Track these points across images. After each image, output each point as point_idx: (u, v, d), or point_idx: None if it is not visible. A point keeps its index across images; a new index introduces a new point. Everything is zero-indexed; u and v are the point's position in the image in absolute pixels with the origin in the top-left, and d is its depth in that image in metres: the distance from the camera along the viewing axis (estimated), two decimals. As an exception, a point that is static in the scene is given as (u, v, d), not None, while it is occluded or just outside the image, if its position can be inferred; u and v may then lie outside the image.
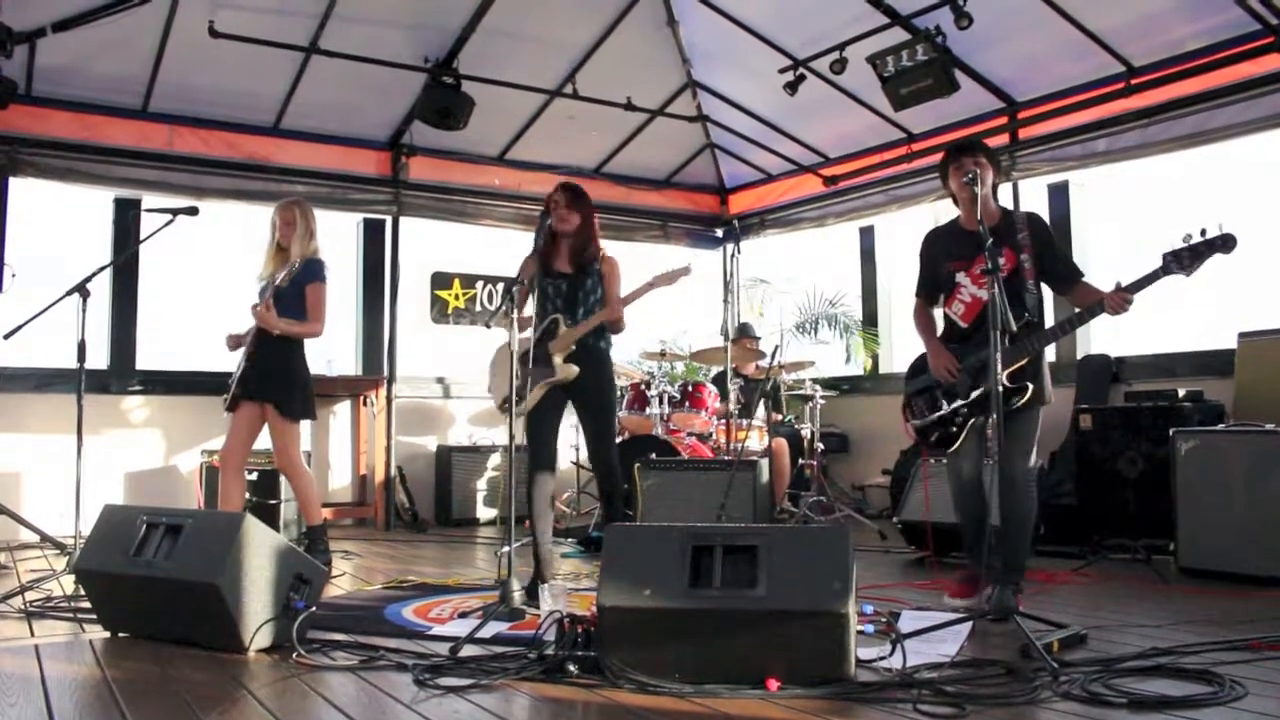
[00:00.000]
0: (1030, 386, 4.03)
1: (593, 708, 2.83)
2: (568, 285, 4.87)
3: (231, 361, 5.58)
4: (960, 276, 4.27)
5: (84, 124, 7.06)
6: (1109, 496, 5.76)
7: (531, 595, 4.29)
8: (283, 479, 6.53)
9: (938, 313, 4.47)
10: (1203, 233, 3.78)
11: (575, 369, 4.76)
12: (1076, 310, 4.13)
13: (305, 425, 7.76)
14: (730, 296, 7.86)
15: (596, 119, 8.07)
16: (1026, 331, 4.03)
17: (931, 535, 5.68)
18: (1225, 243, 3.75)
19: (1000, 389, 3.71)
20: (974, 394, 4.17)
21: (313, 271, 5.36)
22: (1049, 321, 4.30)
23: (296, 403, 5.41)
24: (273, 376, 5.33)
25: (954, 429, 4.29)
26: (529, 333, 4.80)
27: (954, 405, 4.27)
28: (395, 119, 8.02)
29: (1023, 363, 4.06)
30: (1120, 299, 3.91)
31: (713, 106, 8.43)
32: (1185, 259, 3.78)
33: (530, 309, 5.02)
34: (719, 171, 9.57)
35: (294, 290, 5.31)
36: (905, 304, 4.60)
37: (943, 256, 4.36)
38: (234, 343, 5.50)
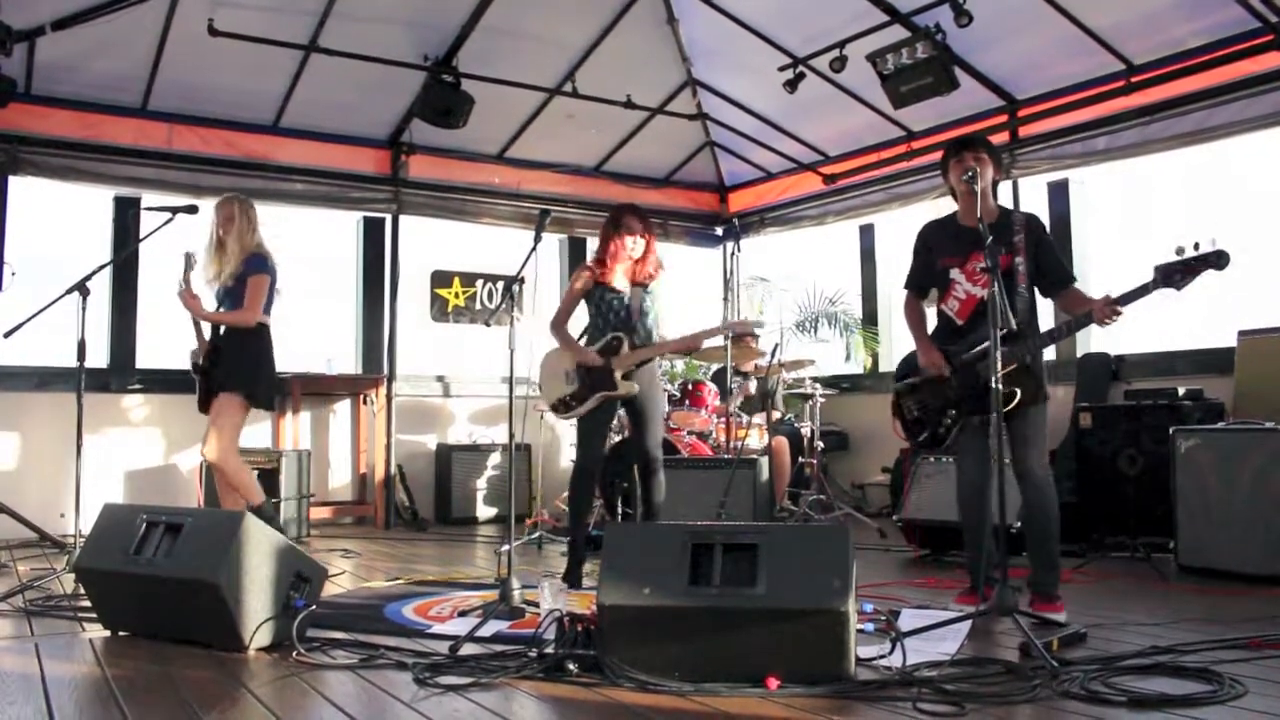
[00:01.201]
0: (1018, 392, 3.97)
1: (592, 706, 2.83)
2: (629, 301, 5.05)
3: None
4: (955, 273, 4.22)
5: (83, 122, 7.06)
6: (1109, 495, 5.76)
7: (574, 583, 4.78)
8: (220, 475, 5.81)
9: (932, 309, 4.44)
10: (1195, 247, 3.67)
11: (636, 387, 4.98)
12: (1065, 320, 4.11)
13: (305, 422, 7.85)
14: (730, 295, 7.85)
15: (596, 117, 8.07)
16: (1016, 336, 3.96)
17: (925, 535, 5.70)
18: (1219, 259, 3.66)
19: (991, 390, 3.69)
20: (959, 394, 4.16)
21: (254, 264, 5.37)
22: (1042, 322, 4.26)
23: (261, 391, 5.43)
24: (234, 366, 5.33)
25: (941, 429, 4.28)
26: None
27: (941, 405, 4.26)
28: (395, 117, 8.01)
29: (1011, 367, 3.99)
30: (1109, 310, 3.83)
31: (712, 104, 8.43)
32: (1176, 274, 3.69)
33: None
34: (719, 169, 9.57)
35: (239, 287, 5.35)
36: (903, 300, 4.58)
37: (938, 252, 4.32)
38: (195, 356, 5.49)
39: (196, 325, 5.44)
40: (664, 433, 7.10)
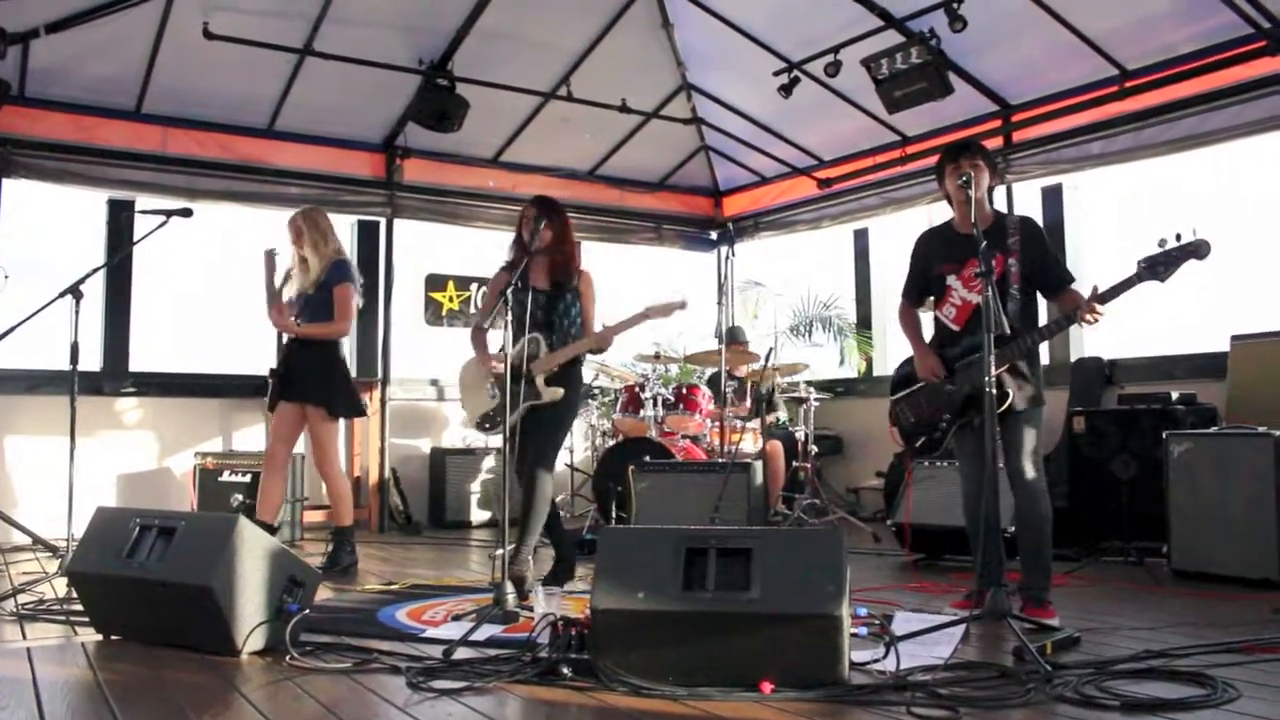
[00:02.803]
0: (1010, 394, 3.98)
1: (586, 710, 2.82)
2: (546, 301, 4.83)
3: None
4: (951, 280, 4.23)
5: (77, 125, 7.03)
6: (1102, 499, 5.76)
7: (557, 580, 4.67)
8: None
9: (928, 316, 4.44)
10: (1177, 238, 3.71)
11: (560, 391, 4.74)
12: (1053, 320, 4.11)
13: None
14: (724, 299, 7.86)
15: (591, 121, 8.07)
16: (1009, 339, 3.97)
17: (918, 538, 5.70)
18: (1199, 249, 3.69)
19: (984, 393, 3.71)
20: (955, 398, 4.16)
21: (338, 273, 5.51)
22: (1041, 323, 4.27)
23: (339, 402, 5.56)
24: (311, 378, 5.47)
25: (938, 435, 4.29)
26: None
27: (936, 411, 4.26)
28: (390, 121, 8.00)
29: (1002, 370, 3.99)
30: (1089, 308, 3.84)
31: (707, 109, 8.44)
32: (1160, 265, 3.72)
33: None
34: (713, 174, 9.57)
35: (323, 295, 5.48)
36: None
37: (934, 259, 4.33)
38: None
39: (287, 337, 5.59)
40: (660, 436, 7.13)
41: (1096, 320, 3.87)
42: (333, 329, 5.48)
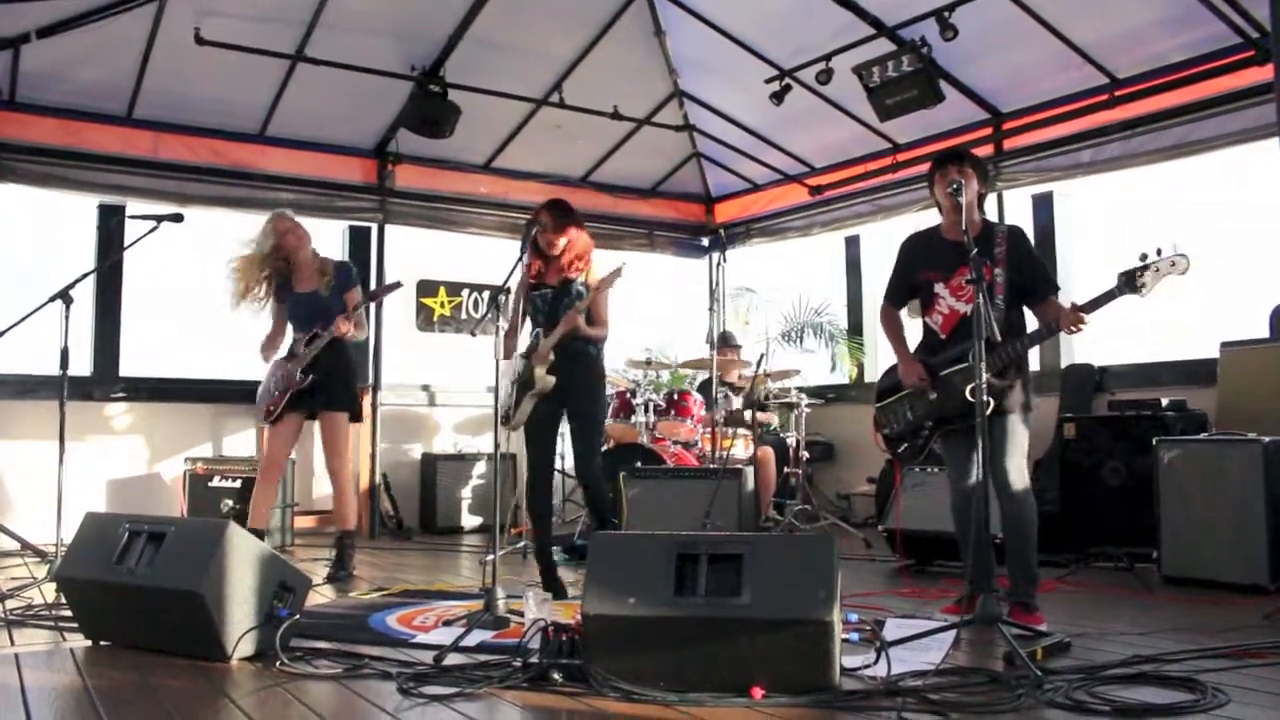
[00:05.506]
0: (991, 402, 3.98)
1: (577, 716, 2.82)
2: (552, 296, 4.94)
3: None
4: (939, 287, 4.24)
5: (68, 130, 7.01)
6: (1093, 505, 5.78)
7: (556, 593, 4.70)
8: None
9: (916, 321, 4.45)
10: (1158, 252, 3.75)
11: (552, 379, 4.84)
12: (1036, 329, 4.13)
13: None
14: (716, 305, 7.86)
15: (583, 128, 8.08)
16: (996, 346, 3.97)
17: (909, 544, 5.70)
18: (1179, 264, 3.71)
19: (965, 401, 3.72)
20: (937, 406, 4.18)
21: (351, 277, 5.63)
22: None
23: (359, 405, 5.67)
24: (340, 386, 5.53)
25: (920, 441, 4.30)
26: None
27: (919, 417, 4.27)
28: (382, 127, 8.01)
29: (990, 376, 3.99)
30: (1074, 318, 3.87)
31: (699, 116, 8.45)
32: (1139, 280, 3.76)
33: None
34: (705, 181, 9.59)
35: (334, 300, 5.51)
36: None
37: (920, 265, 4.34)
38: (271, 354, 5.63)
39: (315, 347, 5.46)
40: (651, 442, 7.13)
41: (1080, 329, 3.90)
42: (364, 333, 5.61)
